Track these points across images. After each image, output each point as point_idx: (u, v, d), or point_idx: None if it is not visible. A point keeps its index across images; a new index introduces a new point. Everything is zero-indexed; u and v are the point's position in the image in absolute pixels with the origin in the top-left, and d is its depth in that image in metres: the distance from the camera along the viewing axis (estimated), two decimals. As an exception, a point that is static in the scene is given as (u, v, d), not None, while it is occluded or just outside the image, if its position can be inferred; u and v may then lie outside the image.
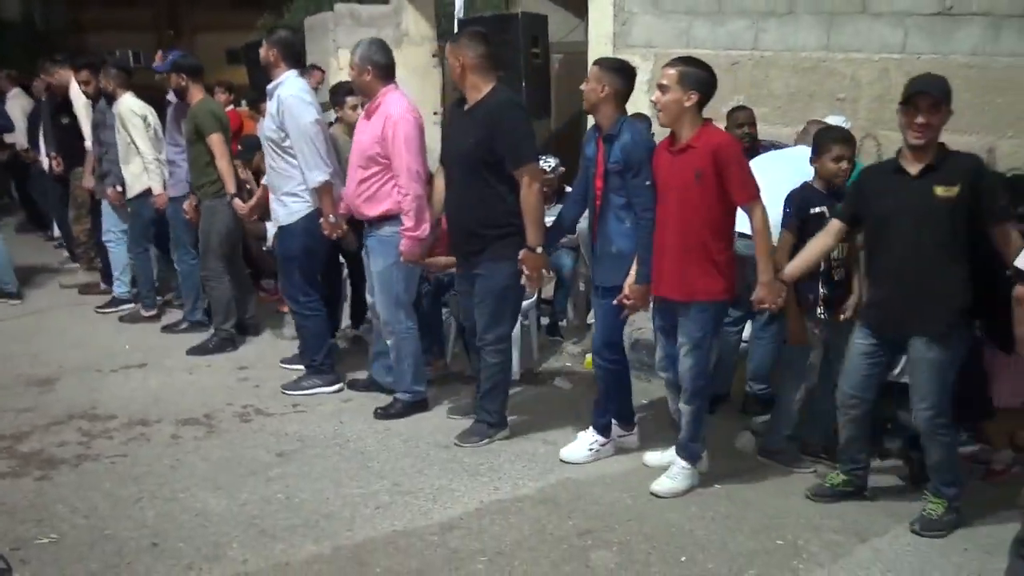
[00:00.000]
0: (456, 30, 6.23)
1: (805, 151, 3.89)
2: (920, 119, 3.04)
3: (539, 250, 3.76)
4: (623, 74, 3.58)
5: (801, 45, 5.28)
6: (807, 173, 3.73)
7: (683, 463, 3.58)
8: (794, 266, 3.44)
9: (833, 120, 4.56)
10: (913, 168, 3.13)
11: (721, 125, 4.35)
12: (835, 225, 3.38)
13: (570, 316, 5.80)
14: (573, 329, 5.70)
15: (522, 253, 3.75)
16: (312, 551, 3.04)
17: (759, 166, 3.77)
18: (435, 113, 8.08)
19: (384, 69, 4.08)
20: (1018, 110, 4.80)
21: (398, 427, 4.17)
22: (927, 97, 3.04)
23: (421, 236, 4.03)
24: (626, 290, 3.55)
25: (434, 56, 7.95)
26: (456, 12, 6.87)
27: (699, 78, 3.37)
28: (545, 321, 5.64)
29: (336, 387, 4.65)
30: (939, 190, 3.06)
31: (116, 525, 3.20)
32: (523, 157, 3.72)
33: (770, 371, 4.22)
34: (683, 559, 3.05)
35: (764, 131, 5.17)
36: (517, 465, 3.79)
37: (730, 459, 3.89)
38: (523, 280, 3.82)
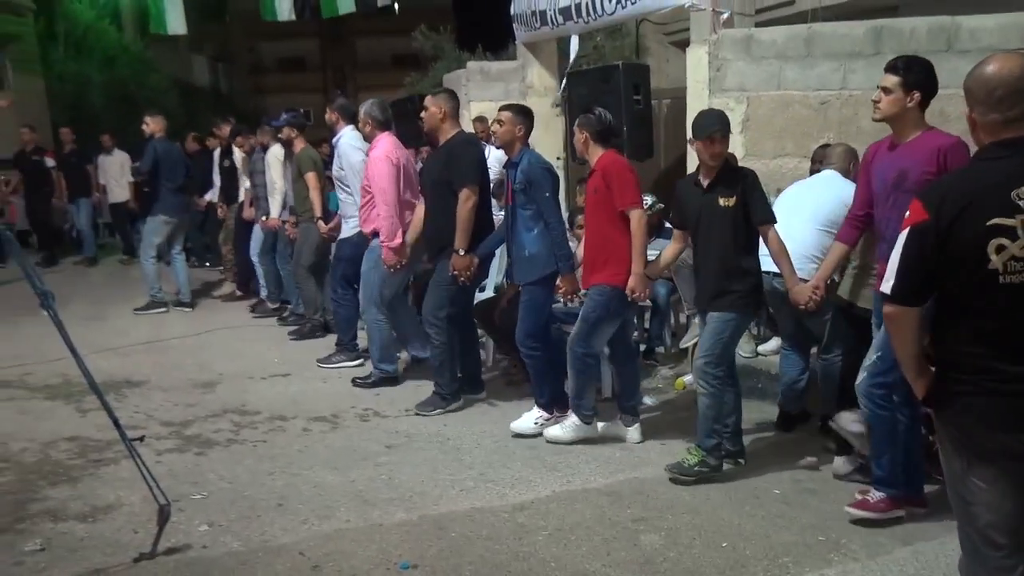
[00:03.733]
0: (564, 82, 6.86)
1: (832, 175, 4.39)
2: (717, 148, 3.89)
3: (462, 252, 4.73)
4: (529, 116, 4.71)
5: (888, 84, 5.50)
6: (840, 192, 4.18)
7: (575, 418, 4.46)
8: (652, 268, 4.36)
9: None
10: (705, 182, 3.96)
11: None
12: (676, 232, 4.27)
13: (667, 343, 6.16)
14: (669, 355, 6.06)
15: (453, 255, 4.73)
16: (402, 517, 3.63)
17: (791, 193, 4.39)
18: (558, 158, 8.68)
19: (380, 122, 5.39)
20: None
21: (492, 429, 4.72)
22: (721, 131, 3.89)
23: (392, 246, 5.15)
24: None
25: (556, 106, 8.59)
26: (567, 67, 7.50)
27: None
28: (643, 347, 6.04)
29: (358, 362, 6.01)
30: (720, 200, 3.89)
31: (252, 490, 3.93)
32: (463, 180, 4.74)
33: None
34: (724, 545, 3.38)
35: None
36: (592, 464, 4.23)
37: (794, 471, 4.15)
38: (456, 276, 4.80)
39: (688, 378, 5.35)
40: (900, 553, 3.33)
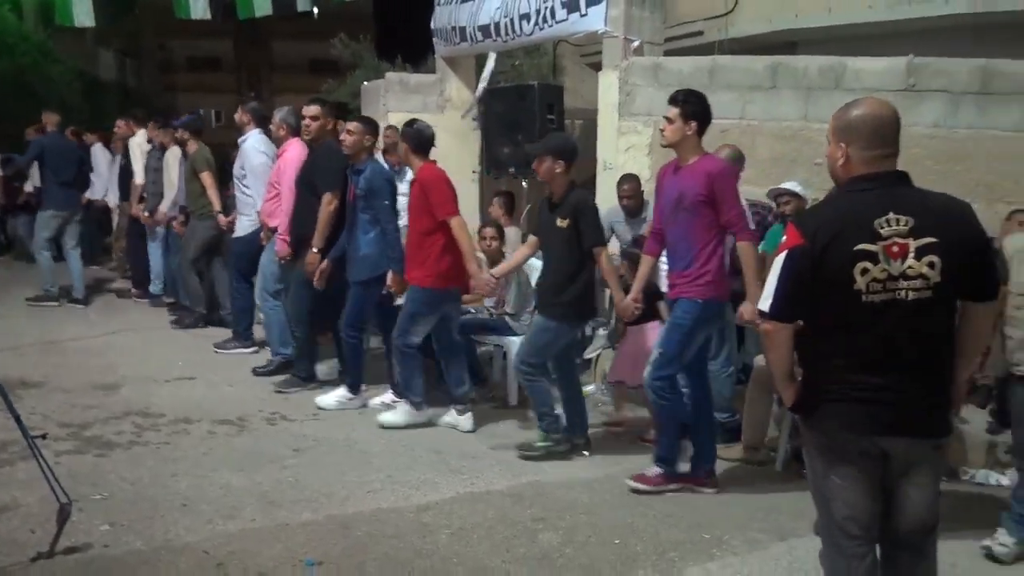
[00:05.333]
0: (477, 98, 7.05)
1: None
2: (541, 168, 4.37)
3: (315, 250, 5.23)
4: (375, 127, 5.35)
5: (783, 115, 5.90)
6: None
7: (406, 404, 4.94)
8: (500, 269, 5.01)
9: (788, 185, 5.10)
10: (550, 201, 4.45)
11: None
12: (530, 238, 4.76)
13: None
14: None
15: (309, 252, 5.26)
16: (308, 517, 3.69)
17: None
18: (473, 172, 8.84)
19: (293, 128, 5.77)
20: (975, 176, 5.32)
21: (399, 435, 4.82)
22: (547, 154, 4.34)
23: (286, 239, 5.54)
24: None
25: (474, 119, 8.73)
26: (481, 82, 7.68)
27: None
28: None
29: (252, 349, 6.46)
30: (558, 220, 4.32)
31: (155, 491, 3.91)
32: (326, 185, 5.26)
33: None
34: (616, 542, 3.59)
35: (749, 192, 5.74)
36: (495, 468, 4.39)
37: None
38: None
39: (590, 387, 5.58)
40: (776, 548, 3.61)
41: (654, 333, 4.50)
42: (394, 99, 9.19)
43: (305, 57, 28.18)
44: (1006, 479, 4.19)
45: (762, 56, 6.25)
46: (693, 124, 3.88)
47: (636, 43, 6.41)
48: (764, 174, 6.02)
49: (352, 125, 5.10)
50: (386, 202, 4.99)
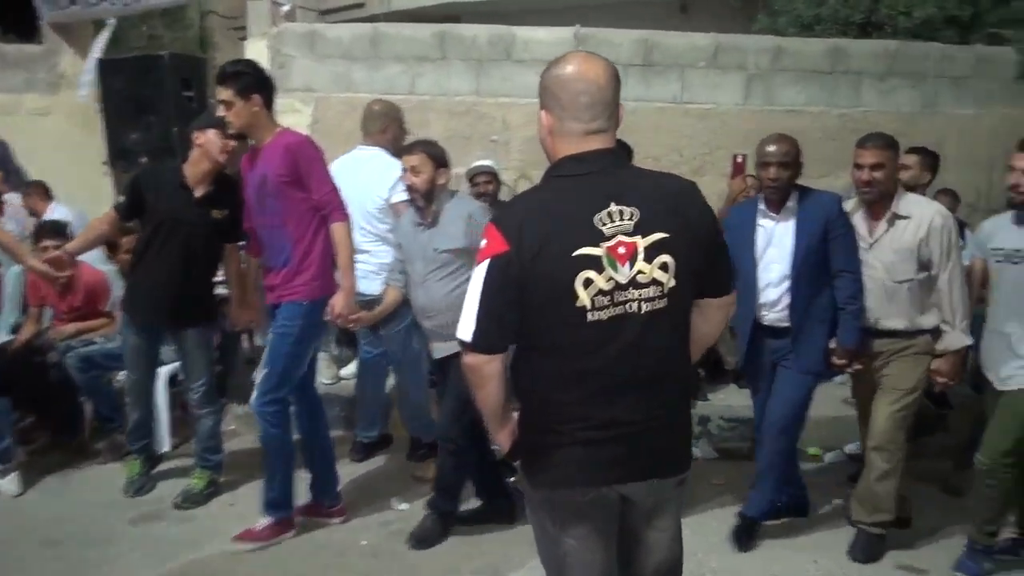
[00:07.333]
0: (97, 72, 5.72)
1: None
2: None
3: None
4: None
5: (455, 89, 5.43)
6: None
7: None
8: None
9: (480, 162, 4.67)
10: None
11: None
12: None
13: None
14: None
15: None
16: None
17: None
18: (104, 163, 7.34)
19: None
20: (643, 150, 5.26)
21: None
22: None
23: None
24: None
25: (84, 98, 7.17)
26: (93, 52, 6.30)
27: None
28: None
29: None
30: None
31: None
32: None
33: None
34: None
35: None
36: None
37: (384, 512, 3.73)
38: None
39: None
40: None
41: None
42: (-11, 74, 7.38)
43: None
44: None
45: (428, 24, 5.71)
46: (255, 98, 3.19)
47: (286, 7, 5.58)
48: (441, 154, 5.54)
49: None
50: None
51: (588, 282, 1.69)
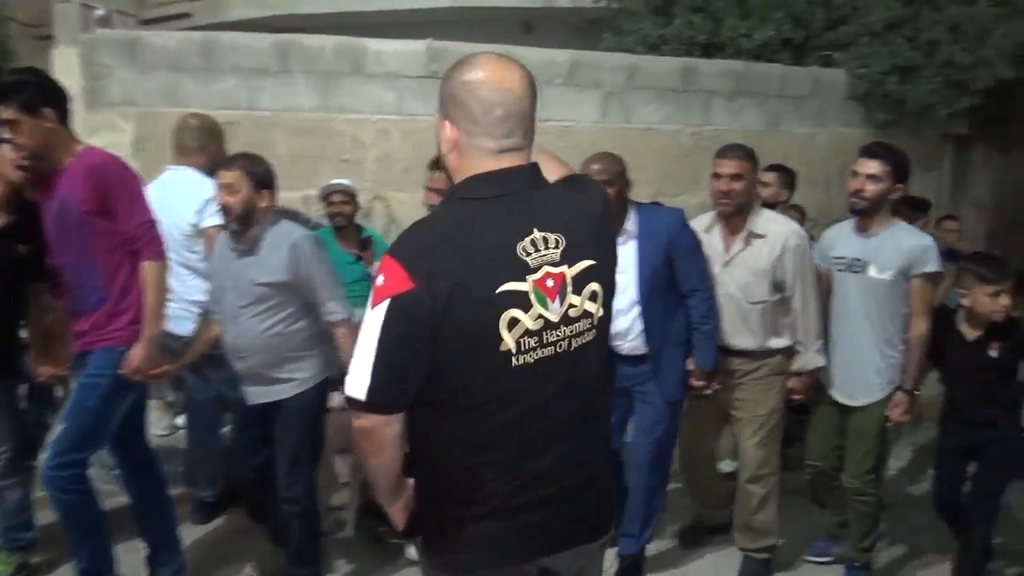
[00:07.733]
0: None
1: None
2: None
3: None
4: None
5: (300, 105, 5.00)
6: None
7: None
8: None
9: (335, 180, 4.28)
10: None
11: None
12: None
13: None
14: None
15: None
16: None
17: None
18: None
19: None
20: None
21: None
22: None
23: None
24: None
25: None
26: None
27: None
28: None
29: None
30: None
31: None
32: None
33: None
34: None
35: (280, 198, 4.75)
36: None
37: None
38: None
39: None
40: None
41: None
42: None
43: None
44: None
45: (268, 34, 5.25)
46: (47, 112, 2.70)
47: (101, 11, 4.95)
48: (285, 175, 5.02)
49: None
50: None
51: (514, 322, 1.41)
